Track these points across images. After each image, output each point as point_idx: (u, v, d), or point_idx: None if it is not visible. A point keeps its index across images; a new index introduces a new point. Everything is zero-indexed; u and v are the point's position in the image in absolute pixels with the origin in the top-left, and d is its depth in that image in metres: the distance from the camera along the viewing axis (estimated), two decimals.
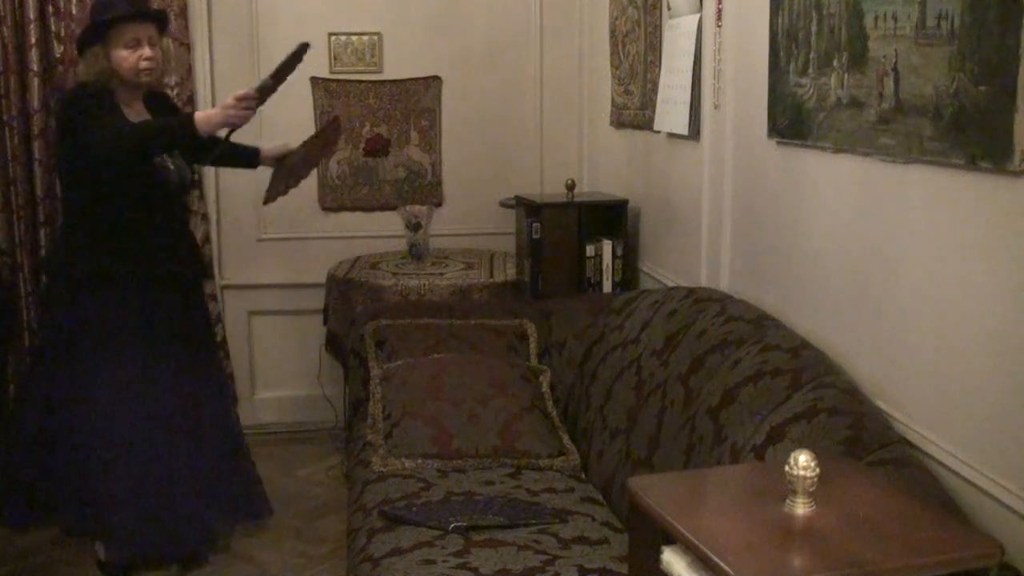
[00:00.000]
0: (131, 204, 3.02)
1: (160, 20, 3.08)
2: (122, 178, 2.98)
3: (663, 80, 3.28)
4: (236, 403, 3.50)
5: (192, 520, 3.08)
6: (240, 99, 2.85)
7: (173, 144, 2.94)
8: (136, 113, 3.03)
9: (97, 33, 2.94)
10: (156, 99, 3.15)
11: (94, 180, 2.98)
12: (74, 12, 3.93)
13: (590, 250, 3.60)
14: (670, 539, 1.43)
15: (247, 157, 3.33)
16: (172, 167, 2.98)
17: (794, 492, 1.41)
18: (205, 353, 3.27)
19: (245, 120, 2.89)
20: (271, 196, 3.22)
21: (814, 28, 2.24)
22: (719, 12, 2.84)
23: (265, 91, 2.90)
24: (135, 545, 3.06)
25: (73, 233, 3.08)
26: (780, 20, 2.42)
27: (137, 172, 2.96)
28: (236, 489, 3.25)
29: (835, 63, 2.15)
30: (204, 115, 2.89)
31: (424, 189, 4.41)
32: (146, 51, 2.97)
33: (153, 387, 3.04)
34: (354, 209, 4.41)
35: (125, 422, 3.00)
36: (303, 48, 2.95)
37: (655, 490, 1.52)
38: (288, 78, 2.95)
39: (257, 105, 2.89)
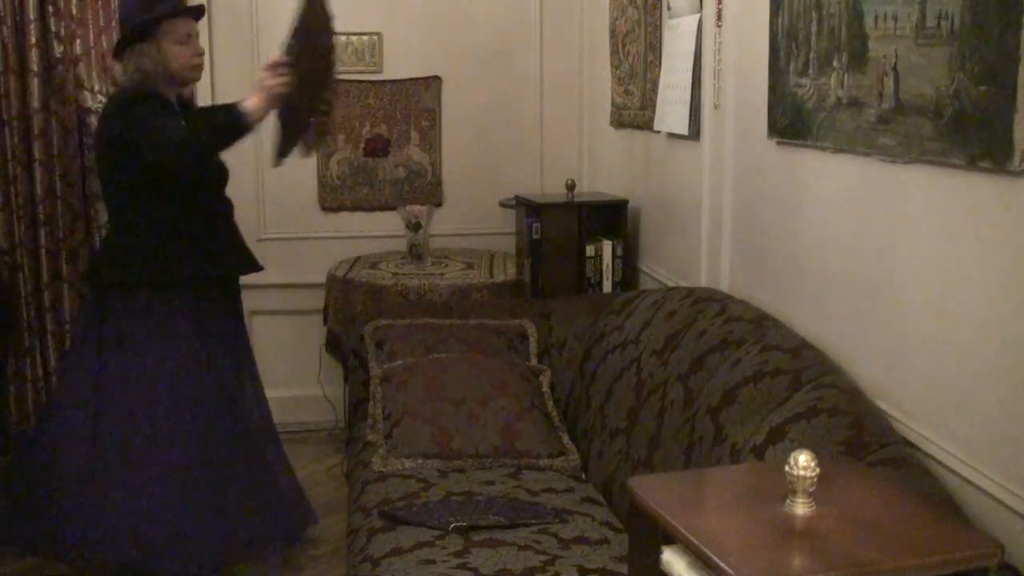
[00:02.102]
0: (195, 203, 2.98)
1: (201, 16, 3.06)
2: (186, 179, 2.93)
3: (663, 80, 3.29)
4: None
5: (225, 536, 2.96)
6: (270, 68, 2.78)
7: (233, 141, 2.87)
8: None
9: (148, 29, 2.85)
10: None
11: (159, 184, 2.90)
12: (74, 12, 3.93)
13: (590, 250, 3.60)
14: (670, 539, 1.43)
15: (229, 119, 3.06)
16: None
17: (794, 492, 1.41)
18: (247, 355, 3.21)
19: (287, 86, 2.77)
20: (282, 149, 2.96)
21: (814, 28, 2.24)
22: (719, 12, 2.84)
23: (292, 51, 2.76)
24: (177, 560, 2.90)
25: (139, 238, 2.94)
26: (780, 20, 2.42)
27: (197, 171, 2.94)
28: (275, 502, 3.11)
29: (835, 63, 2.15)
30: (251, 103, 2.79)
31: (424, 189, 4.41)
32: (198, 46, 2.95)
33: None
34: (354, 209, 4.41)
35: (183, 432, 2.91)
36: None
37: (655, 490, 1.52)
38: (318, 30, 2.77)
39: (291, 66, 2.76)
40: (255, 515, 3.01)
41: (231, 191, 4.22)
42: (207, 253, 3.01)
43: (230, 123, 2.83)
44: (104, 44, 3.93)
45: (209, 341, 2.98)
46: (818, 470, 1.40)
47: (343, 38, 4.25)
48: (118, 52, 2.95)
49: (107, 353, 2.93)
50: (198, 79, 3.05)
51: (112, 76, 3.08)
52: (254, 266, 3.21)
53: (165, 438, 2.89)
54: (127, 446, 2.89)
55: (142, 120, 2.82)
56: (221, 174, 3.07)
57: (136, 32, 2.87)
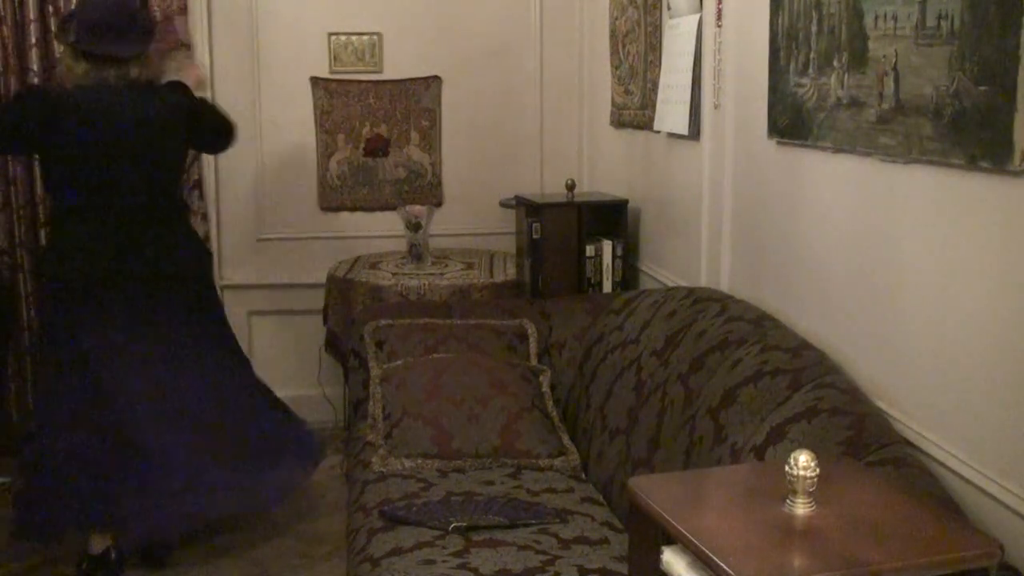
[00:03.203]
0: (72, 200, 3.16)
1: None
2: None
3: (663, 80, 3.28)
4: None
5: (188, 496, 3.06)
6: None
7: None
8: None
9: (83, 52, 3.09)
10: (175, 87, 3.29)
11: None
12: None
13: (590, 250, 3.60)
14: (670, 539, 1.43)
15: None
16: None
17: (794, 492, 1.41)
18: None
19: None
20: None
21: (814, 28, 2.24)
22: (719, 12, 2.84)
23: None
24: (147, 531, 3.08)
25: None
26: (780, 20, 2.42)
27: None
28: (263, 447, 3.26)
29: (835, 63, 2.15)
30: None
31: (424, 189, 4.41)
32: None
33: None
34: (354, 209, 4.41)
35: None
36: None
37: (655, 490, 1.52)
38: None
39: None
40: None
41: (231, 190, 4.26)
42: (75, 252, 3.10)
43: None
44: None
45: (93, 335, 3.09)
46: (818, 470, 1.40)
47: (343, 38, 4.26)
48: (134, 50, 3.10)
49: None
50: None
51: (123, 75, 3.14)
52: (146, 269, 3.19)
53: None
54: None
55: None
56: (107, 172, 3.10)
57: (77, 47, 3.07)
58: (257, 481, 3.19)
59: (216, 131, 3.34)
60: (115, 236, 3.08)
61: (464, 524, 2.34)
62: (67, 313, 3.08)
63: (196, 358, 3.21)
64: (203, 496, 3.07)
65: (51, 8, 3.91)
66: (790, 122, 2.40)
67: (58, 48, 3.64)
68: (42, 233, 3.99)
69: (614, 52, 3.85)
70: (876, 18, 1.98)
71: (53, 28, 3.91)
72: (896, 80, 1.91)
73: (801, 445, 1.73)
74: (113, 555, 3.13)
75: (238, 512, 3.33)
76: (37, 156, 3.30)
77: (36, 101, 3.07)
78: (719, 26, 2.84)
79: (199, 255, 3.34)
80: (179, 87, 3.26)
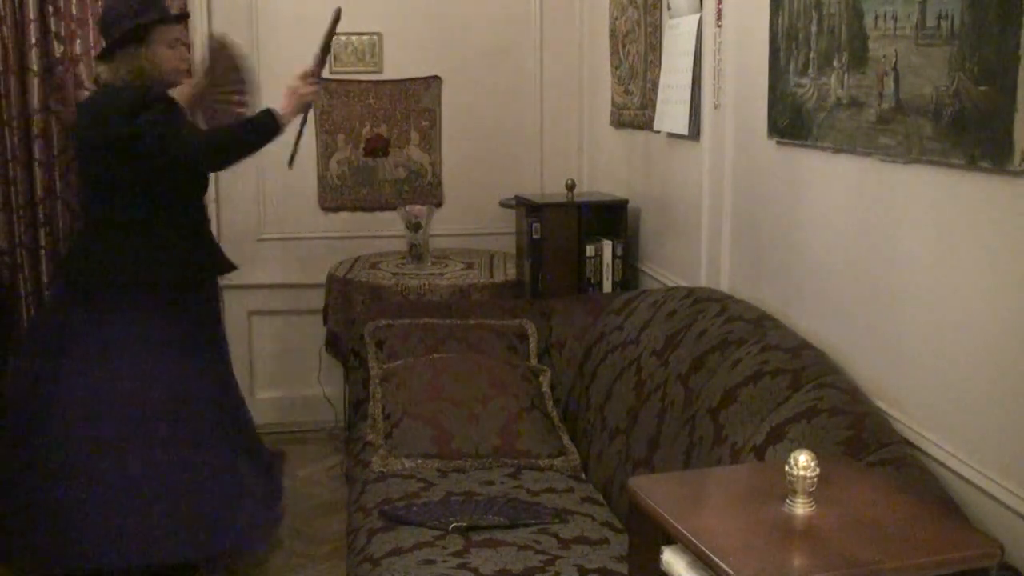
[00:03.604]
0: (182, 206, 3.09)
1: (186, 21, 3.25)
2: (194, 182, 3.12)
3: (663, 80, 3.29)
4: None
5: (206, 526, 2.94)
6: (305, 77, 3.07)
7: (263, 143, 3.04)
8: None
9: (141, 33, 2.94)
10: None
11: (157, 185, 2.98)
12: (74, 12, 3.93)
13: (590, 250, 3.60)
14: (670, 539, 1.43)
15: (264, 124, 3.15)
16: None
17: (794, 492, 1.41)
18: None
19: (317, 95, 3.15)
20: (294, 154, 3.22)
21: (814, 28, 2.24)
22: (719, 12, 2.84)
23: (318, 63, 3.13)
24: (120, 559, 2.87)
25: (128, 239, 2.98)
26: (780, 20, 2.42)
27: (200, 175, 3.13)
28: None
29: (835, 63, 2.15)
30: (284, 106, 3.05)
31: (424, 189, 4.42)
32: (185, 51, 3.11)
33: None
34: (354, 209, 4.41)
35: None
36: (338, 13, 3.14)
37: (655, 490, 1.52)
38: (332, 44, 3.21)
39: (318, 77, 3.13)
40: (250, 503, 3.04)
41: (231, 190, 4.27)
42: (188, 255, 3.08)
43: (263, 124, 3.01)
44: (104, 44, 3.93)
45: (187, 342, 3.03)
46: (818, 470, 1.40)
47: (343, 38, 4.26)
48: (106, 53, 3.00)
49: (95, 358, 2.94)
50: (182, 83, 3.18)
51: (95, 76, 3.10)
52: (230, 267, 3.28)
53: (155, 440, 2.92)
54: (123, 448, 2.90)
55: (166, 120, 2.91)
56: (206, 180, 3.22)
57: (130, 35, 2.93)
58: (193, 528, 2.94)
59: (163, 154, 2.94)
60: (78, 242, 3.13)
61: (464, 524, 2.34)
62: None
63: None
64: (122, 540, 2.86)
65: (51, 8, 3.91)
66: (790, 122, 2.40)
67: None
68: (42, 233, 3.99)
69: (614, 52, 3.85)
70: (876, 18, 1.98)
71: (53, 28, 3.92)
72: (896, 80, 1.91)
73: (801, 445, 1.73)
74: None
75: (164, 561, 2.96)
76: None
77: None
78: (719, 26, 2.84)
79: (139, 267, 3.01)
80: (158, 100, 2.98)
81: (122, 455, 2.88)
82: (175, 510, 2.88)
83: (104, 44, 3.02)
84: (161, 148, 2.88)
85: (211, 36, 3.62)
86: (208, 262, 3.17)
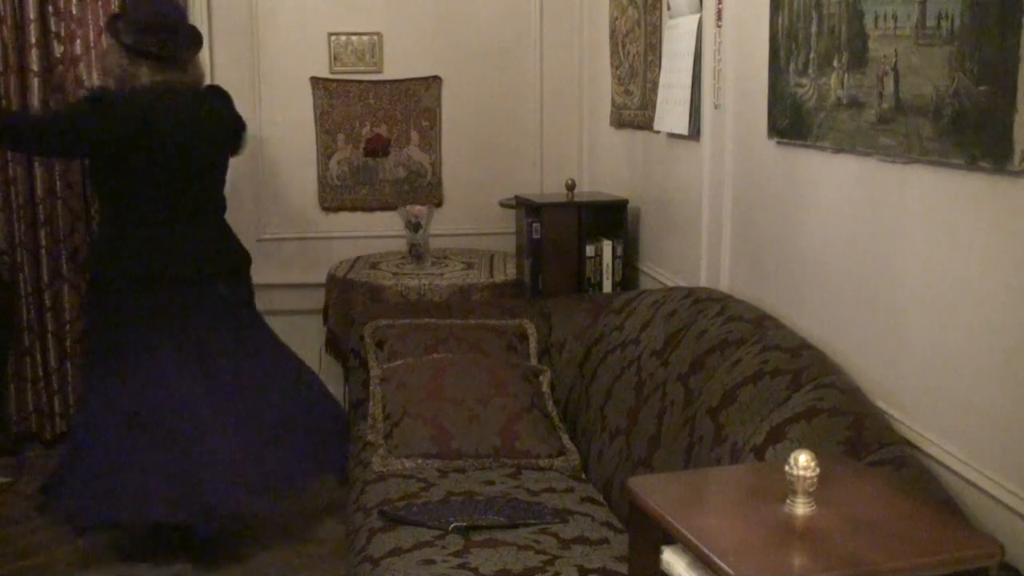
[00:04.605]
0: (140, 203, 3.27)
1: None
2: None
3: (663, 80, 3.28)
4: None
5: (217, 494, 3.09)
6: None
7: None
8: None
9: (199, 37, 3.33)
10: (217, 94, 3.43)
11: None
12: (74, 12, 3.94)
13: (590, 250, 3.60)
14: (670, 539, 1.43)
15: None
16: None
17: (794, 492, 1.41)
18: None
19: None
20: None
21: (814, 28, 2.24)
22: (719, 12, 2.84)
23: None
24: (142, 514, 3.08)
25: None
26: (780, 20, 2.42)
27: None
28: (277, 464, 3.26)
29: (835, 63, 2.15)
30: None
31: (424, 189, 4.42)
32: None
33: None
34: (354, 209, 4.41)
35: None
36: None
37: (655, 490, 1.52)
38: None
39: None
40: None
41: (231, 190, 4.25)
42: (145, 253, 3.21)
43: None
44: (104, 44, 3.93)
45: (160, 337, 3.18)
46: (818, 470, 1.40)
47: (343, 38, 4.26)
48: (189, 50, 3.23)
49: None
50: None
51: (156, 81, 3.18)
52: (210, 272, 3.34)
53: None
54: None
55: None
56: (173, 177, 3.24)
57: (200, 40, 3.30)
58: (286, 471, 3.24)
59: (239, 135, 3.47)
60: (180, 238, 3.21)
61: (464, 524, 2.34)
62: (119, 312, 3.17)
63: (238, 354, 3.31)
64: (242, 492, 3.10)
65: (51, 8, 3.92)
66: (790, 122, 2.40)
67: (104, 46, 3.69)
68: (42, 233, 3.99)
69: (614, 52, 3.85)
70: (876, 18, 1.98)
71: (53, 28, 3.91)
72: (896, 80, 1.91)
73: (801, 445, 1.72)
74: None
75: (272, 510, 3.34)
76: (93, 159, 3.28)
77: (125, 106, 3.10)
78: (719, 26, 2.84)
79: (241, 255, 3.45)
80: (219, 92, 3.37)
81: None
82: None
83: (174, 48, 3.16)
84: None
85: None
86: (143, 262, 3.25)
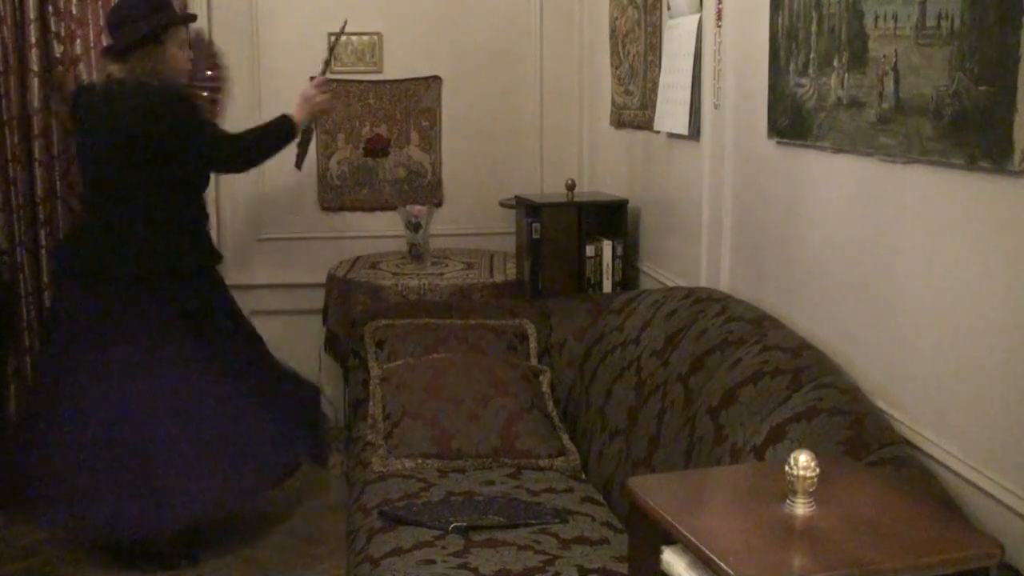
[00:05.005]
0: (199, 201, 3.34)
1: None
2: (204, 178, 3.32)
3: (663, 80, 3.28)
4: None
5: (186, 495, 3.06)
6: (320, 85, 3.35)
7: (281, 147, 3.31)
8: None
9: (159, 33, 3.11)
10: None
11: (180, 181, 3.20)
12: (74, 12, 3.93)
13: (590, 250, 3.60)
14: (670, 539, 1.43)
15: (281, 127, 3.43)
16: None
17: (794, 492, 1.41)
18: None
19: (329, 103, 3.43)
20: (302, 158, 3.52)
21: (814, 28, 2.24)
22: (719, 12, 2.84)
23: (327, 70, 3.42)
24: (111, 526, 3.06)
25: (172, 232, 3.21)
26: (780, 20, 2.42)
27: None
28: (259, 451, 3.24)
29: (835, 63, 2.15)
30: (298, 112, 3.28)
31: (424, 189, 4.41)
32: (189, 52, 3.25)
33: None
34: (354, 209, 4.41)
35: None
36: (343, 25, 3.53)
37: (655, 490, 1.52)
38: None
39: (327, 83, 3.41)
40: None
41: (231, 190, 4.27)
42: (202, 245, 3.33)
43: (279, 129, 3.28)
44: (104, 44, 3.93)
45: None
46: (818, 470, 1.40)
47: (343, 38, 4.26)
48: (120, 52, 3.11)
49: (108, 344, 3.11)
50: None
51: (107, 74, 3.15)
52: (219, 258, 3.48)
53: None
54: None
55: (196, 119, 3.16)
56: (208, 179, 3.41)
57: (149, 35, 3.08)
58: (248, 477, 3.21)
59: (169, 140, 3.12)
60: (95, 232, 3.22)
61: (464, 524, 2.34)
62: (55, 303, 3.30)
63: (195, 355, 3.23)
64: (198, 496, 3.07)
65: (51, 8, 3.91)
66: (790, 122, 2.40)
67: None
68: (42, 233, 3.99)
69: (614, 52, 3.85)
70: (876, 18, 1.98)
71: (53, 28, 3.92)
72: (896, 80, 1.91)
73: (801, 445, 1.72)
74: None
75: (233, 510, 3.32)
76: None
77: (72, 97, 3.33)
78: (719, 26, 2.84)
79: (160, 257, 3.17)
80: (156, 92, 3.09)
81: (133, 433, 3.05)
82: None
83: (116, 42, 3.11)
84: (206, 149, 3.18)
85: (195, 33, 3.73)
86: (204, 255, 3.34)
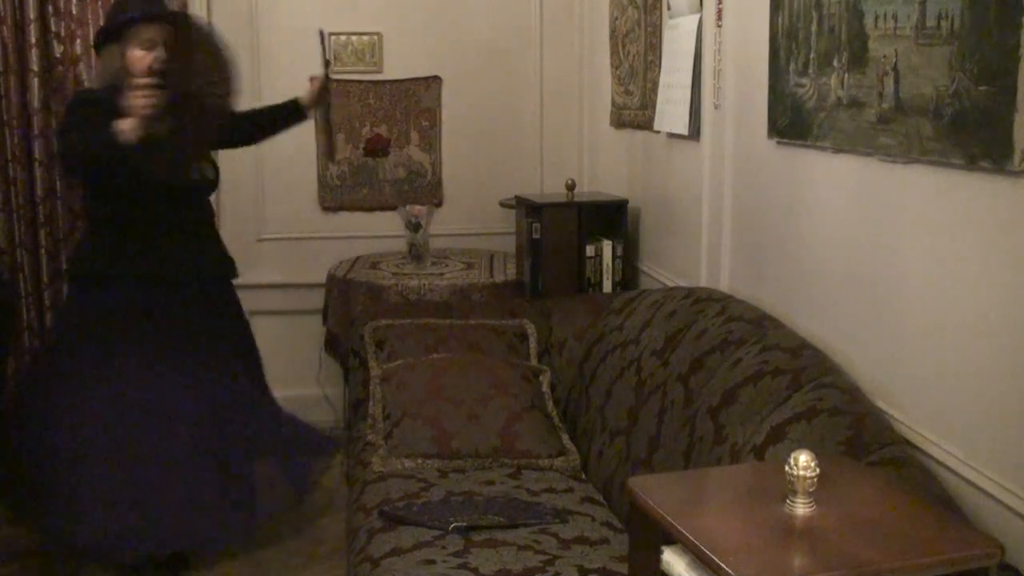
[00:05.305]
0: (132, 203, 3.07)
1: (176, 22, 3.11)
2: (117, 179, 3.02)
3: (663, 80, 3.28)
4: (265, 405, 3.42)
5: (179, 520, 3.02)
6: (138, 89, 2.81)
7: (102, 155, 2.86)
8: None
9: (113, 33, 3.00)
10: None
11: (93, 180, 3.09)
12: (74, 12, 3.93)
13: (590, 250, 3.60)
14: (670, 539, 1.43)
15: (293, 112, 3.42)
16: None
17: (794, 492, 1.41)
18: (224, 355, 3.26)
19: (153, 105, 2.80)
20: (332, 149, 3.67)
21: (814, 28, 2.24)
22: (719, 12, 2.84)
23: (164, 73, 2.96)
24: (103, 544, 3.00)
25: (88, 234, 3.22)
26: (780, 20, 2.42)
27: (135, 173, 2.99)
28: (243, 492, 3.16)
29: (835, 63, 2.15)
30: (125, 123, 2.78)
31: (424, 189, 4.42)
32: (161, 52, 2.98)
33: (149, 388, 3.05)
34: (354, 209, 4.41)
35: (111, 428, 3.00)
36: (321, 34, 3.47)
37: (655, 490, 1.52)
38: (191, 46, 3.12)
39: (162, 87, 2.87)
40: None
41: (232, 190, 4.26)
42: (151, 253, 3.10)
43: (104, 138, 2.80)
44: None
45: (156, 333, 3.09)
46: (818, 470, 1.40)
47: (343, 38, 4.26)
48: (97, 51, 3.12)
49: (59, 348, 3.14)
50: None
51: (101, 69, 3.18)
52: (224, 272, 3.32)
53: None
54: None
55: (69, 118, 3.05)
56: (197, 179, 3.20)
57: (101, 35, 3.05)
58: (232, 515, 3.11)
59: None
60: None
61: (464, 524, 2.34)
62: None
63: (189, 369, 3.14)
64: (183, 521, 3.01)
65: (51, 8, 3.91)
66: (790, 122, 2.40)
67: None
68: (42, 233, 3.99)
69: (614, 52, 3.85)
70: (876, 18, 1.98)
71: (53, 28, 3.92)
72: (896, 80, 1.91)
73: (801, 445, 1.72)
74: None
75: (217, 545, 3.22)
76: None
77: None
78: (719, 26, 2.84)
79: (86, 260, 3.16)
80: (74, 101, 3.13)
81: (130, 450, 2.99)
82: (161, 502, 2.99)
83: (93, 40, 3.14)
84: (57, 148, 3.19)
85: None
86: (136, 261, 3.10)
